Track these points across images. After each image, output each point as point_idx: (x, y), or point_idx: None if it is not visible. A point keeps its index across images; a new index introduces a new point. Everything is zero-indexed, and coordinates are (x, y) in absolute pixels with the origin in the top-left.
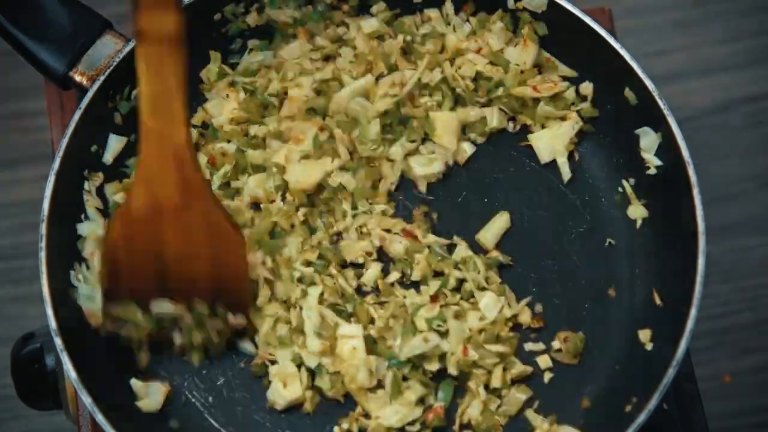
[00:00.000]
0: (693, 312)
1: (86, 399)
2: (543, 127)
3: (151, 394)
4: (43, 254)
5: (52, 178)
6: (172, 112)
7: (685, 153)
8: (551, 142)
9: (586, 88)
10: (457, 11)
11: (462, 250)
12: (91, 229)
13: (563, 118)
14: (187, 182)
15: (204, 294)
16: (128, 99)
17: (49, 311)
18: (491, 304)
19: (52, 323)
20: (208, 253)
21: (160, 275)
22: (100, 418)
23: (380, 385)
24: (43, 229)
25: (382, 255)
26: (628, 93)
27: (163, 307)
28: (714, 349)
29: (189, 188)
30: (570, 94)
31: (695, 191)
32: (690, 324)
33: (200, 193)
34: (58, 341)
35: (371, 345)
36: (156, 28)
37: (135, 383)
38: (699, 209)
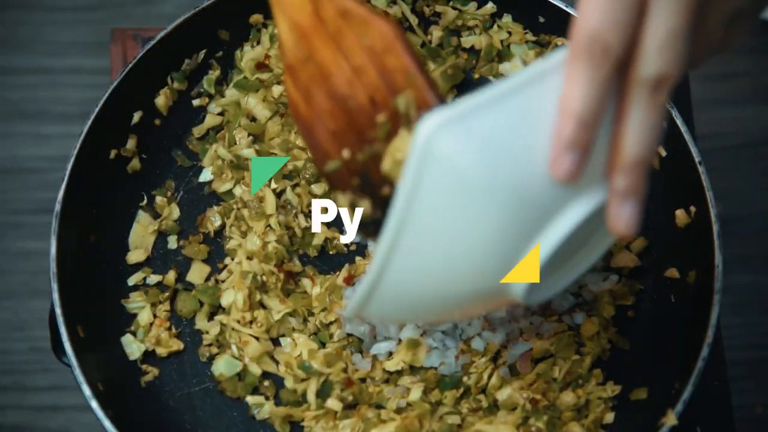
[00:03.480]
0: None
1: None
2: None
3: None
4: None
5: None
6: None
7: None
8: None
9: None
10: None
11: None
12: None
13: None
14: None
15: (384, 108)
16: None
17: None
18: None
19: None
20: (367, 54)
21: (345, 114)
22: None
23: None
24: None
25: None
26: None
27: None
28: (750, 378)
29: None
30: None
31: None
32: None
33: None
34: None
35: None
36: None
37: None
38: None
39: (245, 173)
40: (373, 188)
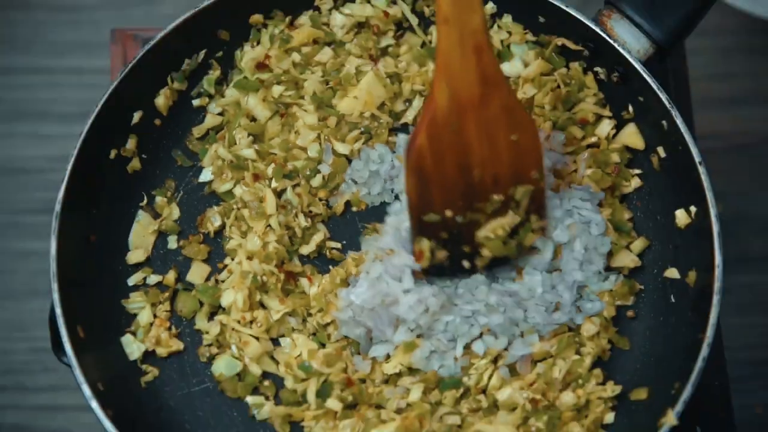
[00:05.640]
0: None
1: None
2: None
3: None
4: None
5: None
6: None
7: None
8: None
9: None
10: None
11: None
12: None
13: None
14: (485, 71)
15: (502, 191)
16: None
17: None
18: None
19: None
20: (509, 147)
21: (465, 182)
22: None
23: None
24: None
25: None
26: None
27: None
28: (751, 379)
29: (487, 77)
30: None
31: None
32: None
33: (498, 82)
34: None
35: None
36: None
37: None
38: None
39: (245, 173)
40: (455, 245)
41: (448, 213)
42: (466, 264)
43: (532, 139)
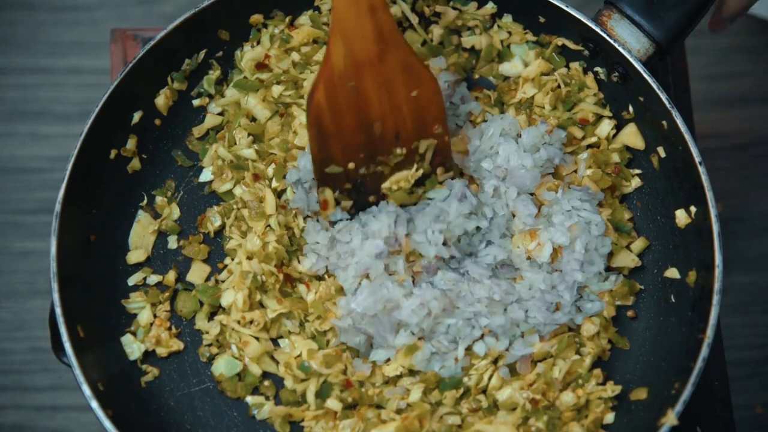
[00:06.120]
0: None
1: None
2: None
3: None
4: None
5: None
6: None
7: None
8: None
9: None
10: None
11: None
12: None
13: None
14: (380, 29)
15: (405, 145)
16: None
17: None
18: None
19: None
20: (409, 102)
21: (366, 136)
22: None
23: None
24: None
25: None
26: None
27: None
28: (750, 378)
29: (383, 35)
30: None
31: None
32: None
33: (395, 39)
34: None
35: None
36: None
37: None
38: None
39: (245, 173)
40: (360, 194)
41: (351, 165)
42: (371, 198)
43: (433, 95)
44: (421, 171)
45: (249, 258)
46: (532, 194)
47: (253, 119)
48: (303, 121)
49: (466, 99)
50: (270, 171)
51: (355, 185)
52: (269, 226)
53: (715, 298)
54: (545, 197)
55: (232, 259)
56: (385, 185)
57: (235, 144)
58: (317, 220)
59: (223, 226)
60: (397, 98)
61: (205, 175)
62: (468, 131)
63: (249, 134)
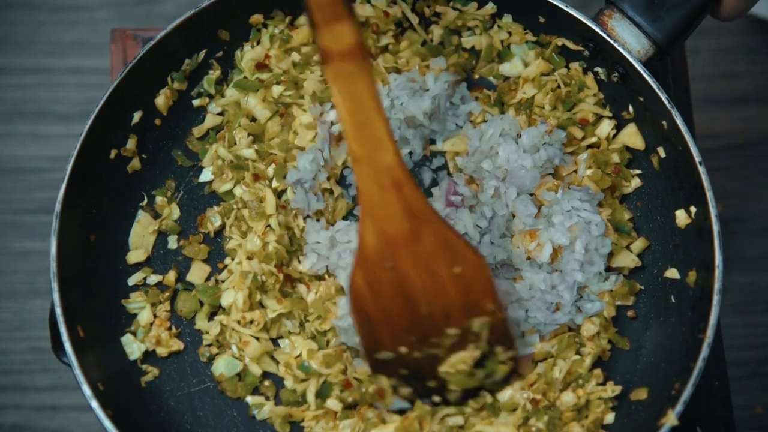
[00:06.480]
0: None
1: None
2: None
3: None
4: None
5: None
6: (377, 135)
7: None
8: None
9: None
10: None
11: None
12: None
13: None
14: (409, 205)
15: (457, 324)
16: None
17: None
18: None
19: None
20: (453, 279)
21: (413, 318)
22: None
23: None
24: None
25: None
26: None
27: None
28: (750, 378)
29: (414, 212)
30: None
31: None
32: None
33: (427, 214)
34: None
35: None
36: (337, 43)
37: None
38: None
39: (245, 173)
40: (418, 380)
41: (403, 349)
42: (436, 399)
43: (478, 270)
44: (478, 351)
45: (249, 258)
46: (531, 194)
47: (253, 119)
48: (303, 121)
49: (466, 99)
50: (270, 171)
51: (413, 371)
52: (269, 226)
53: (715, 298)
54: (545, 197)
55: (232, 259)
56: (443, 368)
57: (235, 144)
58: (317, 220)
59: (223, 226)
60: (440, 276)
61: (205, 175)
62: (468, 131)
63: (249, 134)
